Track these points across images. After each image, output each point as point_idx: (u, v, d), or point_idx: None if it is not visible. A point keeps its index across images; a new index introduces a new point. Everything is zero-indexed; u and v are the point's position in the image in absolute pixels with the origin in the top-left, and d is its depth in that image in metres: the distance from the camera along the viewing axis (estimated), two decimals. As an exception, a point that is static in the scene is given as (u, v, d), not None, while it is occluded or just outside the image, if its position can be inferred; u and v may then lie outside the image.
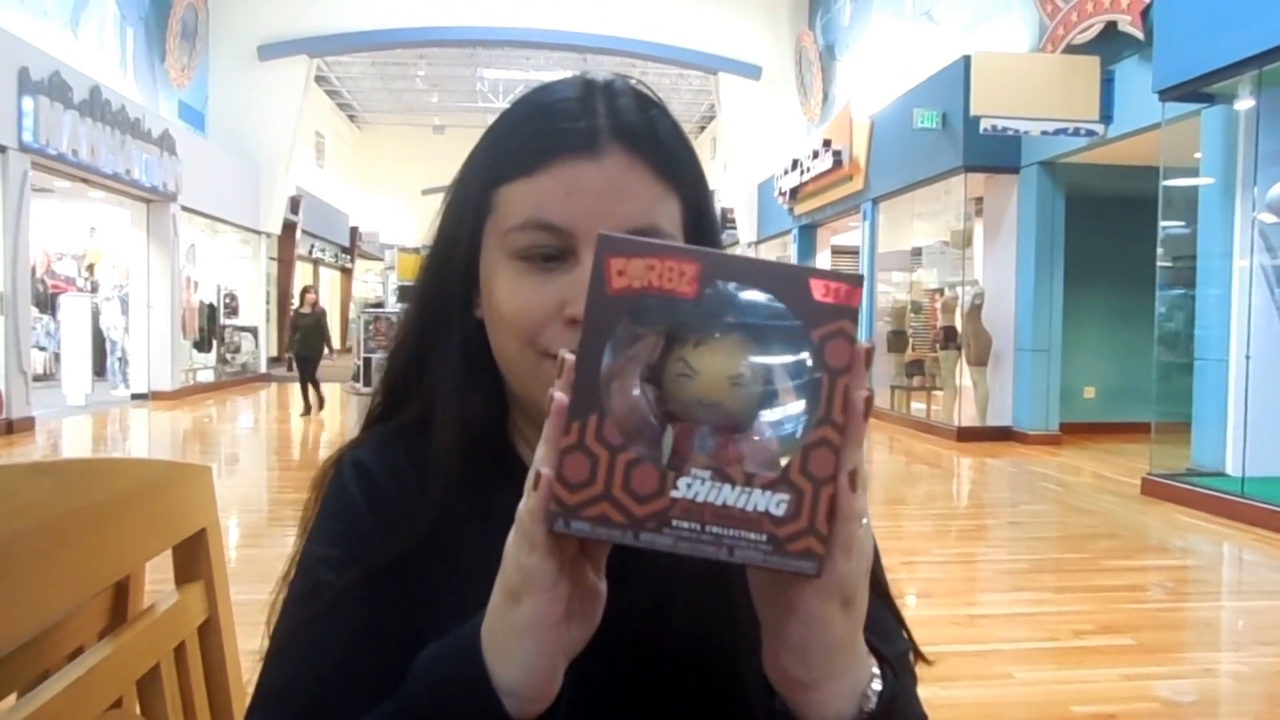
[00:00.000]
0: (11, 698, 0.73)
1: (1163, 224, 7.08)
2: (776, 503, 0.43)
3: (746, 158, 17.67)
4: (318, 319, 11.29)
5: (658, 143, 0.60)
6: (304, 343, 11.08)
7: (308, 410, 11.14)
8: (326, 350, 11.59)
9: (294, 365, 11.79)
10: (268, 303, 18.68)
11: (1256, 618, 4.13)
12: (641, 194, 0.59)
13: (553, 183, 0.59)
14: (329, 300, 29.34)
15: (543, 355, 0.61)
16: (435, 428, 0.67)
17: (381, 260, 23.34)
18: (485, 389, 0.66)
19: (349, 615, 0.63)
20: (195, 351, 14.84)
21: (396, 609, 0.63)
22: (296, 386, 11.65)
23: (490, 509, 0.66)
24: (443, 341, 0.67)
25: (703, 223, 0.64)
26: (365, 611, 0.63)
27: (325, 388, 11.73)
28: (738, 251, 19.17)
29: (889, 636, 0.67)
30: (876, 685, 0.51)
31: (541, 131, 0.60)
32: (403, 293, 12.82)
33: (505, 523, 0.65)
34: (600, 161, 0.58)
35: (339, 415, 11.87)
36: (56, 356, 14.06)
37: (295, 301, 13.14)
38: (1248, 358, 6.31)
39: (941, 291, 10.89)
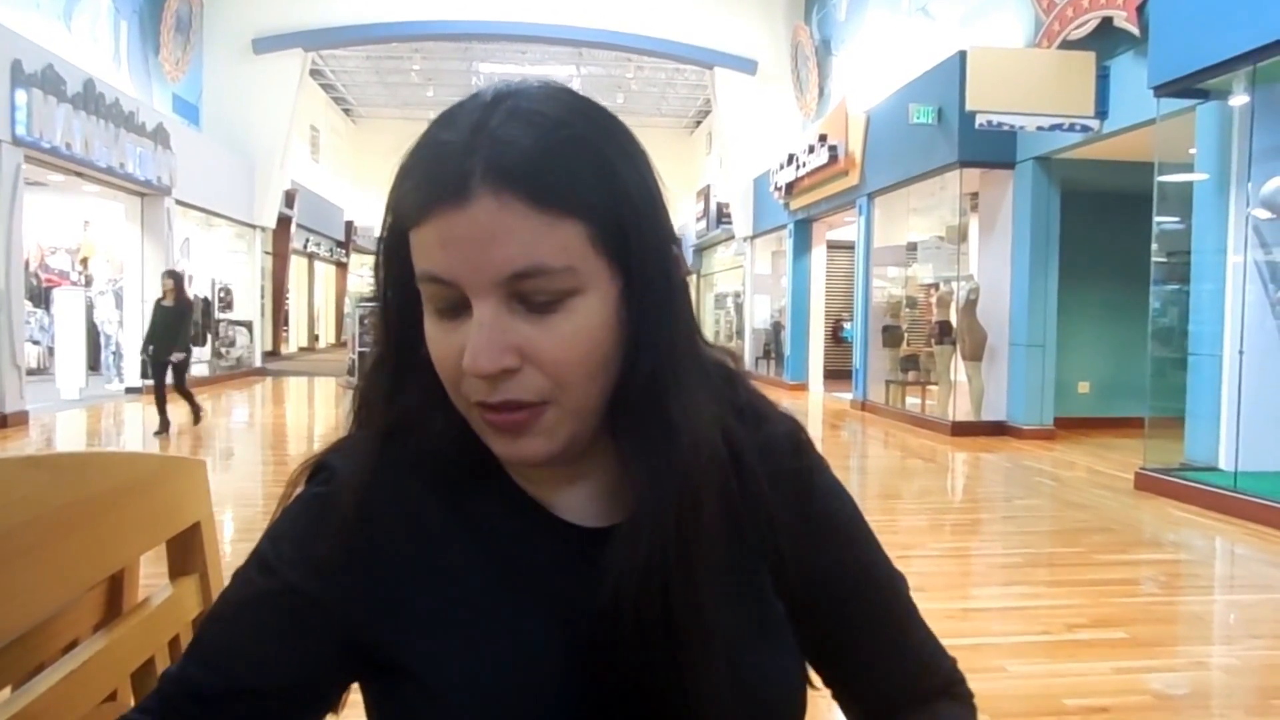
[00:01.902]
0: (6, 690, 0.74)
1: (1157, 219, 7.09)
2: None
3: (742, 152, 17.65)
4: (180, 312, 9.04)
5: (538, 173, 0.57)
6: (161, 343, 8.84)
7: (164, 428, 8.86)
8: (195, 349, 9.82)
9: (148, 370, 9.35)
10: (262, 297, 18.66)
11: (1248, 611, 4.16)
12: (517, 234, 0.57)
13: (432, 234, 0.58)
14: (323, 294, 29.39)
15: (468, 402, 0.61)
16: (401, 449, 0.66)
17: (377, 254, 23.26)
18: (448, 409, 0.64)
19: (258, 620, 0.63)
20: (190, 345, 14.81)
21: (313, 635, 0.63)
22: (290, 380, 11.32)
23: (467, 519, 0.66)
24: (411, 356, 0.65)
25: (631, 236, 0.61)
26: (275, 622, 0.63)
27: (329, 381, 11.14)
28: (732, 246, 19.16)
29: (936, 656, 0.77)
30: None
31: (421, 184, 0.59)
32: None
33: (481, 531, 0.65)
34: (468, 209, 0.57)
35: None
36: (50, 350, 14.03)
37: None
38: (1241, 353, 6.32)
39: (937, 286, 10.90)
